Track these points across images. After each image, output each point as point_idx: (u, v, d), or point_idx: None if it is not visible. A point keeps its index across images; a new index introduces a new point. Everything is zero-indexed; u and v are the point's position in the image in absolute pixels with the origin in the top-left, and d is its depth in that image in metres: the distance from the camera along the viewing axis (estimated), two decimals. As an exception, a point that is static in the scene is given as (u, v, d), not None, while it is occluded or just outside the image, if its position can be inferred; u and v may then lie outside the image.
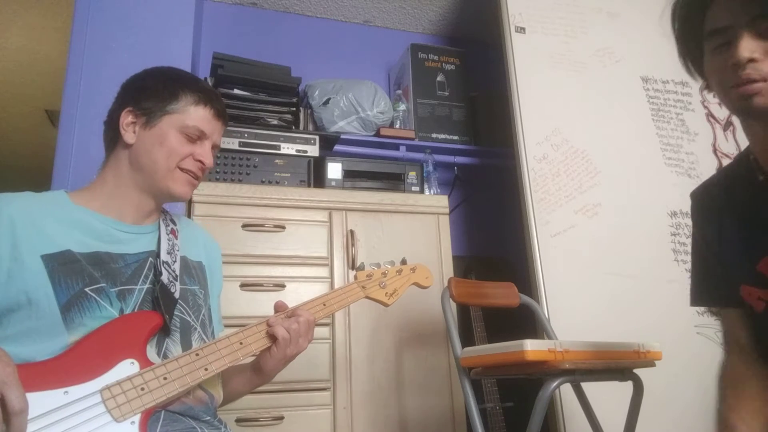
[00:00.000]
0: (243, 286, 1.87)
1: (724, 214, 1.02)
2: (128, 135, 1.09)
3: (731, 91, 0.85)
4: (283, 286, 1.91)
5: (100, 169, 1.14)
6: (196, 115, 1.11)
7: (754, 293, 0.96)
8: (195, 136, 1.10)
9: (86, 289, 0.95)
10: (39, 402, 0.81)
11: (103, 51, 1.86)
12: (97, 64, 1.83)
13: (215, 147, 1.17)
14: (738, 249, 0.99)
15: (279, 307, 1.13)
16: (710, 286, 1.07)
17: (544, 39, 2.29)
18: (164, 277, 1.04)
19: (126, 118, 1.10)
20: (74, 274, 0.95)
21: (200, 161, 1.11)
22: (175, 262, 1.11)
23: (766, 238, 0.94)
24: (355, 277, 1.27)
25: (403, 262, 1.36)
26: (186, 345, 1.05)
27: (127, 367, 0.91)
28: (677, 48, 0.97)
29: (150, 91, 1.11)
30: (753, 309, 0.98)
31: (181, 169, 1.10)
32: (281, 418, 1.79)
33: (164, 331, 1.01)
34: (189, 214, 1.89)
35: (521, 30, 2.27)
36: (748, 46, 0.81)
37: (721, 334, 1.09)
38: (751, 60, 0.81)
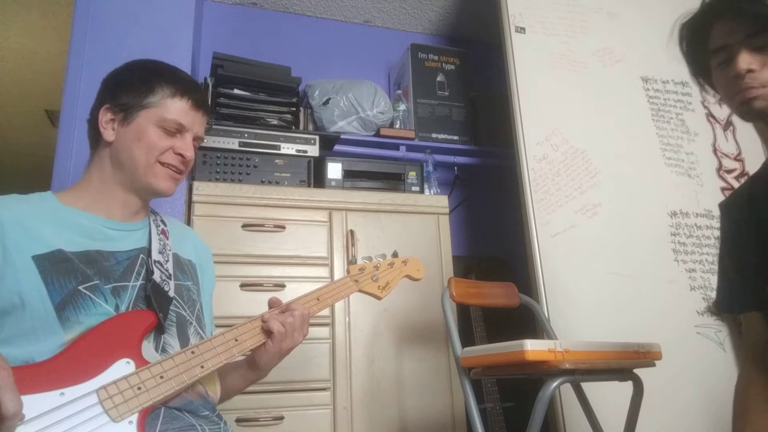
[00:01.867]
0: (243, 286, 1.87)
1: (746, 217, 1.11)
2: (107, 133, 1.09)
3: (734, 99, 1.00)
4: (283, 286, 1.91)
5: (86, 167, 1.13)
6: (173, 107, 1.09)
7: None
8: (174, 130, 1.09)
9: (80, 287, 0.95)
10: (35, 404, 0.81)
11: (103, 51, 1.86)
12: (97, 64, 1.83)
13: (197, 139, 1.15)
14: (760, 248, 1.06)
15: (273, 303, 1.13)
16: (735, 293, 1.13)
17: (544, 39, 2.29)
18: (156, 276, 1.04)
19: (105, 116, 1.09)
20: (67, 273, 0.95)
21: (180, 154, 1.10)
22: (167, 261, 1.11)
23: None
24: (348, 271, 1.27)
25: (395, 255, 1.36)
26: (183, 339, 1.05)
27: (123, 367, 0.91)
28: (689, 69, 1.12)
29: (126, 86, 1.10)
30: None
31: (162, 164, 1.09)
32: (281, 418, 1.79)
33: (159, 329, 1.01)
34: (189, 214, 1.89)
35: (521, 30, 2.27)
36: (745, 59, 0.96)
37: (744, 340, 1.14)
38: (750, 71, 0.95)
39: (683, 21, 1.10)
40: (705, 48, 1.05)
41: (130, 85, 1.10)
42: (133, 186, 1.10)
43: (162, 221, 1.20)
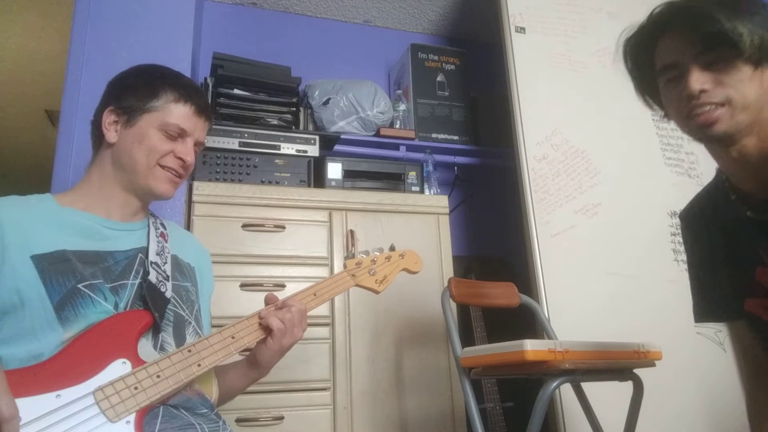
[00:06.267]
0: (243, 286, 1.86)
1: (711, 231, 1.07)
2: (110, 134, 1.10)
3: (689, 122, 0.93)
4: (283, 286, 1.91)
5: (87, 168, 1.15)
6: (176, 112, 1.11)
7: (758, 304, 0.99)
8: (175, 134, 1.11)
9: (79, 286, 0.96)
10: (31, 407, 0.81)
11: (103, 51, 1.86)
12: (97, 64, 1.83)
13: (199, 144, 1.16)
14: (731, 264, 1.03)
15: (269, 300, 1.14)
16: (712, 304, 1.10)
17: (544, 39, 2.29)
18: (152, 277, 1.05)
19: (108, 118, 1.11)
20: (65, 273, 0.96)
21: (181, 159, 1.11)
22: (165, 263, 1.11)
23: (752, 250, 0.98)
24: (345, 266, 1.26)
25: (392, 248, 1.34)
26: (180, 339, 1.05)
27: (119, 367, 0.91)
28: (633, 84, 1.07)
29: (130, 89, 1.12)
30: (760, 319, 1.00)
31: (162, 167, 1.10)
32: (281, 418, 1.79)
33: (156, 328, 1.01)
34: (189, 214, 1.89)
35: (521, 30, 2.27)
36: (698, 79, 0.89)
37: (736, 349, 1.11)
38: (702, 91, 0.89)
39: (627, 36, 1.04)
40: (651, 64, 0.99)
41: (135, 89, 1.11)
42: (132, 187, 1.11)
43: (161, 224, 1.20)
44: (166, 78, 1.14)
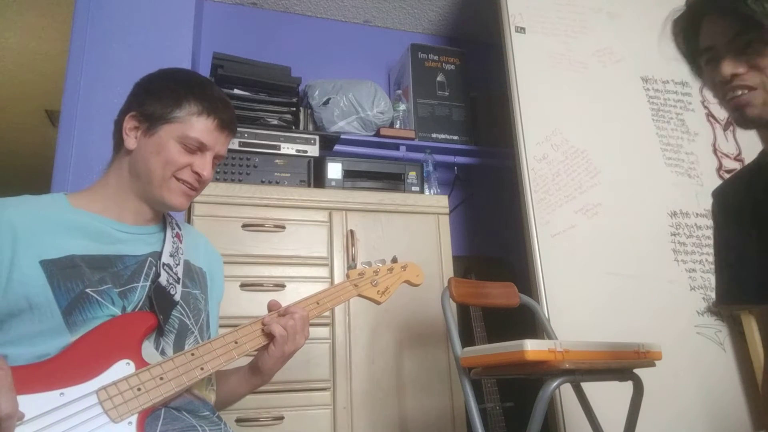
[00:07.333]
0: (243, 286, 1.86)
1: (745, 211, 1.06)
2: (130, 141, 1.08)
3: (726, 105, 0.95)
4: (283, 286, 1.91)
5: (105, 168, 1.13)
6: (198, 126, 1.08)
7: None
8: (195, 148, 1.08)
9: (87, 290, 0.95)
10: (34, 404, 0.81)
11: (103, 51, 1.86)
12: (97, 64, 1.83)
13: (218, 158, 1.14)
14: (762, 247, 1.02)
15: (272, 306, 1.13)
16: (737, 286, 1.08)
17: (544, 39, 2.29)
18: (162, 279, 1.04)
19: (129, 123, 1.09)
20: (74, 278, 0.95)
21: (197, 173, 1.09)
22: (178, 265, 1.10)
23: None
24: (348, 276, 1.27)
25: (394, 260, 1.36)
26: (178, 348, 1.04)
27: (123, 368, 0.91)
28: (688, 66, 1.07)
29: (154, 96, 1.09)
30: None
31: (177, 179, 1.08)
32: (281, 418, 1.79)
33: (159, 331, 1.01)
34: (189, 214, 1.89)
35: (521, 30, 2.27)
36: (730, 64, 0.91)
37: (760, 335, 1.11)
38: (735, 75, 0.90)
39: (674, 17, 1.05)
40: (696, 46, 1.00)
41: (158, 96, 1.09)
42: (146, 197, 1.09)
43: (177, 225, 1.20)
44: (192, 88, 1.11)
